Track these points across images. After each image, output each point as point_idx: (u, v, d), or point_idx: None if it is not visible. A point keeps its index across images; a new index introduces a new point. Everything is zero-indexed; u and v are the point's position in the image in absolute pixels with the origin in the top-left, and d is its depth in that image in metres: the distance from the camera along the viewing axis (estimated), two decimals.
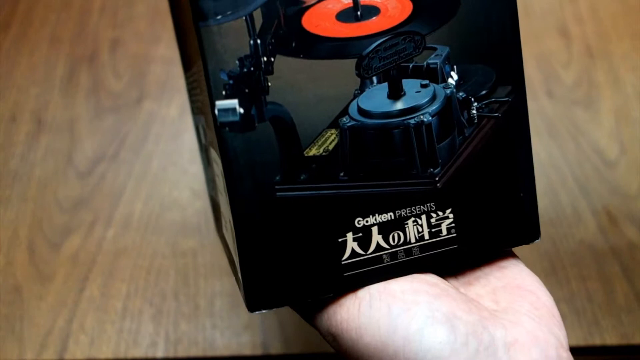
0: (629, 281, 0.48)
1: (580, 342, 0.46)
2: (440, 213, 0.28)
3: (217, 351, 0.46)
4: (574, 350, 0.26)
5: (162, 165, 0.56)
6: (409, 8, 0.27)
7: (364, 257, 0.28)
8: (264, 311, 0.27)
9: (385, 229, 0.28)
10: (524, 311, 0.27)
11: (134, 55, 0.63)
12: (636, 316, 0.46)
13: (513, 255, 0.30)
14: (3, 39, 0.65)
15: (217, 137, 0.26)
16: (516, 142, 0.28)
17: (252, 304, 0.27)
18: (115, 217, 0.53)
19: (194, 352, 0.46)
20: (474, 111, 0.28)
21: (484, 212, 0.28)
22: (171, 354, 0.46)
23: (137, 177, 0.55)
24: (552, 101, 0.58)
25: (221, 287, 0.49)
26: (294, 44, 0.26)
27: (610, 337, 0.46)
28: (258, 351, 0.46)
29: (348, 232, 0.27)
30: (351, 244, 0.27)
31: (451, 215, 0.28)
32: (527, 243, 0.29)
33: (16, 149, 0.58)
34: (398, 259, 0.28)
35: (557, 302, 0.47)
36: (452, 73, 0.28)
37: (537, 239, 0.29)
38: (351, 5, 0.26)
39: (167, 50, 0.62)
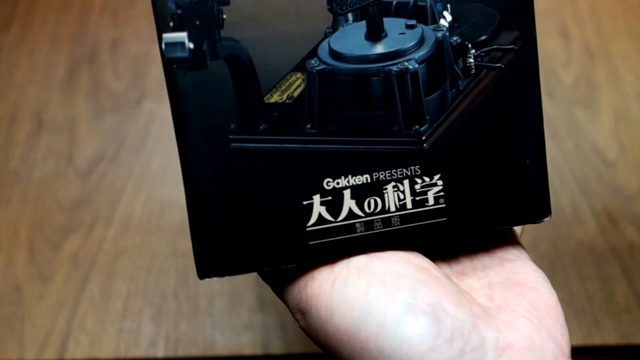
0: (628, 281, 0.48)
1: (580, 342, 0.46)
2: (426, 179, 0.24)
3: (217, 351, 0.46)
4: (573, 350, 0.25)
5: (162, 165, 0.56)
6: None
7: (333, 224, 0.24)
8: (214, 278, 0.24)
9: (359, 194, 0.24)
10: (521, 311, 0.24)
11: (134, 55, 0.63)
12: (636, 316, 0.46)
13: (517, 245, 0.27)
14: (3, 39, 0.65)
15: (165, 75, 0.23)
16: (523, 98, 0.24)
17: (203, 270, 0.24)
18: (115, 217, 0.53)
19: (194, 352, 0.46)
20: (471, 60, 0.24)
21: (481, 180, 0.24)
22: (171, 354, 0.46)
23: (137, 177, 0.55)
24: (551, 101, 0.58)
25: (221, 287, 0.49)
26: None
27: (610, 337, 0.46)
28: (258, 351, 0.46)
29: (315, 194, 0.23)
30: (318, 208, 0.24)
31: (440, 182, 0.24)
32: (534, 222, 0.25)
33: (16, 149, 0.58)
34: (374, 230, 0.24)
35: None
36: (445, 13, 0.24)
37: (547, 217, 0.25)
38: None
39: None
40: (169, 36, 0.22)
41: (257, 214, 0.23)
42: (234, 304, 0.48)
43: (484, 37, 0.24)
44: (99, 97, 0.61)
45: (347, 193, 0.24)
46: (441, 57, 0.24)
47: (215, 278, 0.24)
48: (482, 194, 0.24)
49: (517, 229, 0.27)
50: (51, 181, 0.56)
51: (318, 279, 0.24)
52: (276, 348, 0.46)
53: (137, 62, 0.63)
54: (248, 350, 0.46)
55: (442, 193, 0.24)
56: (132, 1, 0.67)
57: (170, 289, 0.49)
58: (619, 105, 0.58)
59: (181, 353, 0.46)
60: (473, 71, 0.24)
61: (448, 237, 0.25)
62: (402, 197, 0.24)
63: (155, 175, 0.55)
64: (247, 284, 0.48)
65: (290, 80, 0.23)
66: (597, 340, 0.45)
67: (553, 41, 0.62)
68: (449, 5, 0.23)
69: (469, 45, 0.24)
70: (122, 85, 0.61)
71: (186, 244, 0.51)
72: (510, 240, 0.27)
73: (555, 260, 0.50)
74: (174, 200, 0.54)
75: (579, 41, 0.61)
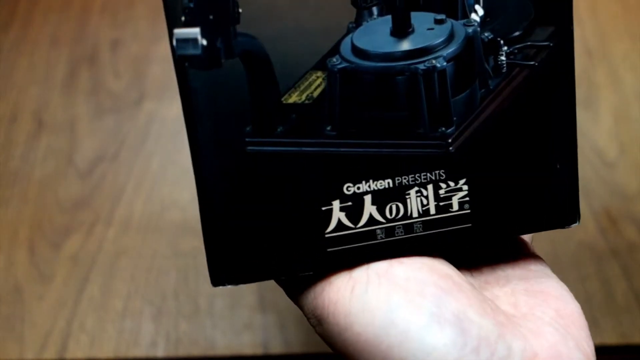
0: (628, 281, 0.48)
1: None
2: (451, 183, 0.23)
3: (217, 351, 0.46)
4: None
5: (162, 165, 0.56)
6: None
7: (353, 230, 0.23)
8: (228, 286, 0.23)
9: (380, 199, 0.22)
10: (547, 319, 0.23)
11: (134, 55, 0.63)
12: (635, 316, 0.47)
13: (539, 259, 0.26)
14: (3, 39, 0.65)
15: (176, 73, 0.21)
16: (556, 99, 0.23)
17: (216, 278, 0.23)
18: (115, 217, 0.53)
19: (194, 352, 0.46)
20: (503, 57, 0.22)
21: (509, 185, 0.23)
22: (171, 354, 0.46)
23: (138, 177, 0.55)
24: None
25: (221, 287, 0.49)
26: None
27: (609, 337, 0.46)
28: (258, 351, 0.46)
29: (334, 199, 0.22)
30: (337, 214, 0.22)
31: (465, 187, 0.23)
32: (562, 227, 0.24)
33: (16, 149, 0.58)
34: (395, 236, 0.23)
35: None
36: (477, 7, 0.22)
37: (576, 222, 0.24)
38: None
39: (167, 50, 0.62)
40: (180, 32, 0.21)
41: (273, 220, 0.22)
42: (234, 304, 0.48)
43: (517, 33, 0.22)
44: (99, 97, 0.61)
45: (367, 198, 0.22)
46: (471, 54, 0.22)
47: (229, 286, 0.23)
48: (509, 199, 0.23)
49: (527, 237, 0.27)
50: (51, 181, 0.56)
51: (336, 285, 0.23)
52: (276, 348, 0.46)
53: (137, 62, 0.63)
54: (248, 350, 0.46)
55: (467, 198, 0.23)
56: (132, 1, 0.67)
57: (170, 289, 0.49)
58: (619, 105, 0.58)
59: (181, 353, 0.46)
60: (504, 70, 0.22)
61: (472, 245, 0.24)
62: (425, 202, 0.23)
63: (155, 175, 0.55)
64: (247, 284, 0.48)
65: (310, 80, 0.22)
66: (596, 340, 0.45)
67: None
68: None
69: (501, 42, 0.22)
70: (122, 85, 0.61)
71: (186, 244, 0.51)
72: (529, 252, 0.26)
73: (555, 260, 0.50)
74: (175, 200, 0.54)
75: (579, 41, 0.62)
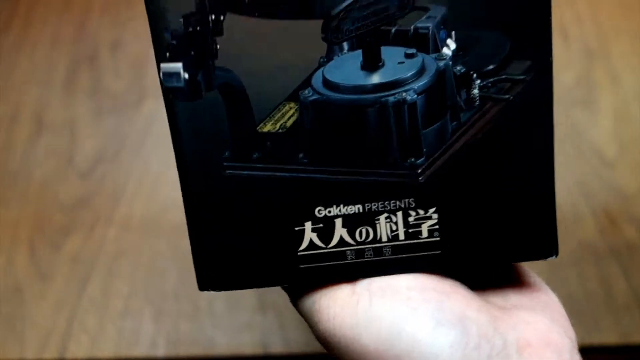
0: (627, 281, 0.48)
1: (579, 342, 0.46)
2: (420, 212, 0.23)
3: (217, 351, 0.46)
4: None
5: (162, 165, 0.56)
6: None
7: (324, 250, 0.24)
8: (212, 292, 0.25)
9: (351, 223, 0.24)
10: (537, 309, 0.25)
11: (134, 55, 0.63)
12: (635, 316, 0.47)
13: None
14: (4, 40, 0.65)
15: (165, 104, 0.24)
16: (532, 133, 0.23)
17: (202, 283, 0.25)
18: (115, 217, 0.53)
19: (194, 352, 0.46)
20: (476, 91, 0.23)
21: (480, 215, 0.24)
22: (172, 354, 0.46)
23: (138, 178, 0.55)
24: None
25: None
26: (247, 0, 0.22)
27: (609, 337, 0.46)
28: (258, 351, 0.46)
29: (306, 221, 0.24)
30: (309, 235, 0.24)
31: (435, 216, 0.23)
32: (538, 259, 0.25)
33: (17, 149, 0.58)
34: (365, 258, 0.24)
35: None
36: (449, 41, 0.22)
37: (552, 256, 0.25)
38: None
39: None
40: (165, 66, 0.23)
41: (251, 236, 0.24)
42: (234, 304, 0.48)
43: (491, 67, 0.23)
44: (99, 97, 0.61)
45: (338, 222, 0.24)
46: (442, 87, 0.23)
47: (212, 292, 0.25)
48: (481, 229, 0.24)
49: None
50: (51, 181, 0.56)
51: (339, 300, 0.24)
52: (276, 348, 0.46)
53: (137, 62, 0.63)
54: (248, 350, 0.46)
55: (436, 226, 0.24)
56: (132, 1, 0.67)
57: (170, 289, 0.49)
58: (618, 105, 0.58)
59: (181, 353, 0.46)
60: (477, 103, 0.23)
61: (442, 270, 0.24)
62: (394, 228, 0.24)
63: (155, 176, 0.55)
64: None
65: (284, 110, 0.23)
66: (596, 340, 0.46)
67: (552, 41, 0.62)
68: (453, 33, 0.22)
69: (474, 75, 0.23)
70: (122, 85, 0.61)
71: (186, 244, 0.51)
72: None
73: (555, 260, 0.50)
74: (175, 200, 0.54)
75: (578, 41, 0.62)
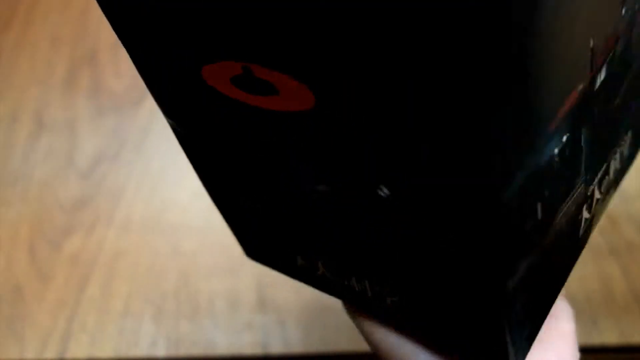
0: (627, 281, 0.48)
1: (579, 342, 0.46)
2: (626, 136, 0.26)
3: (217, 351, 0.46)
4: None
5: (162, 165, 0.56)
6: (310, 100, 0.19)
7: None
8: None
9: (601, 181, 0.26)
10: (547, 340, 0.25)
11: None
12: (635, 316, 0.47)
13: None
14: (4, 40, 0.65)
15: None
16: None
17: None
18: (116, 217, 0.53)
19: (194, 352, 0.46)
20: None
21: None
22: (172, 354, 0.46)
23: (138, 177, 0.55)
24: None
25: (221, 287, 0.49)
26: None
27: (609, 337, 0.46)
28: (258, 351, 0.46)
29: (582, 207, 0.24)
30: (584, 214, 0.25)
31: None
32: None
33: (17, 149, 0.58)
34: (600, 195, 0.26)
35: None
36: None
37: None
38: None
39: None
40: None
41: None
42: (234, 304, 0.48)
43: None
44: (99, 97, 0.61)
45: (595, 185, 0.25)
46: None
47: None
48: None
49: None
50: (51, 181, 0.56)
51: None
52: (276, 348, 0.46)
53: None
54: (248, 350, 0.46)
55: None
56: None
57: (170, 289, 0.49)
58: None
59: (181, 353, 0.46)
60: None
61: None
62: (617, 160, 0.26)
63: (155, 175, 0.56)
64: (247, 284, 0.49)
65: None
66: (596, 340, 0.46)
67: None
68: None
69: None
70: (122, 85, 0.61)
71: (187, 244, 0.51)
72: None
73: None
74: (175, 200, 0.54)
75: None
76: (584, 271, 0.49)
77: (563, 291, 0.27)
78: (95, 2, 0.67)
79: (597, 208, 0.25)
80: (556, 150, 0.20)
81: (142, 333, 0.47)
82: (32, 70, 0.63)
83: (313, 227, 0.23)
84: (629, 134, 0.26)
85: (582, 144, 0.21)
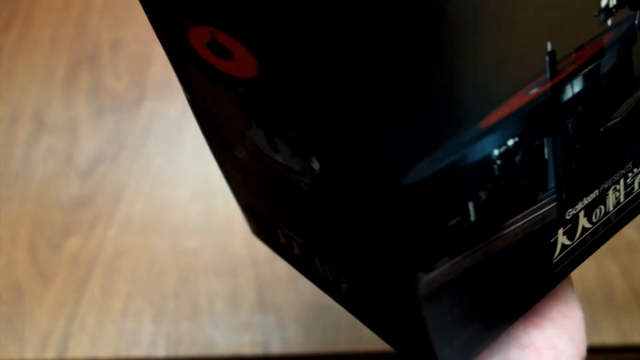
0: (627, 281, 0.48)
1: None
2: (635, 169, 0.24)
3: (217, 351, 0.46)
4: None
5: (162, 165, 0.56)
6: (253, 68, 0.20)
7: (570, 246, 0.24)
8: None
9: (589, 210, 0.24)
10: (554, 318, 0.26)
11: (134, 55, 0.63)
12: (635, 316, 0.47)
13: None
14: (4, 40, 0.65)
15: None
16: None
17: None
18: (116, 217, 0.53)
19: (194, 352, 0.46)
20: None
21: None
22: (172, 354, 0.46)
23: (138, 177, 0.55)
24: None
25: (221, 287, 0.49)
26: None
27: (609, 337, 0.46)
28: (258, 351, 0.46)
29: (559, 228, 0.23)
30: (561, 239, 0.23)
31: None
32: None
33: (17, 149, 0.58)
34: (598, 233, 0.25)
35: None
36: None
37: None
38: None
39: None
40: None
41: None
42: (234, 304, 0.48)
43: None
44: (99, 97, 0.61)
45: (581, 214, 0.23)
46: None
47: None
48: None
49: None
50: (52, 181, 0.56)
51: None
52: (276, 348, 0.46)
53: (137, 62, 0.63)
54: (248, 350, 0.46)
55: None
56: (132, 1, 0.67)
57: (170, 289, 0.49)
58: None
59: (181, 353, 0.46)
60: None
61: None
62: (618, 195, 0.24)
63: (155, 175, 0.56)
64: (247, 284, 0.49)
65: None
66: (595, 340, 0.46)
67: None
68: None
69: None
70: (122, 85, 0.61)
71: (187, 244, 0.51)
72: None
73: None
74: (175, 200, 0.54)
75: None
76: (584, 271, 0.49)
77: (570, 280, 0.28)
78: (95, 2, 0.67)
79: (589, 239, 0.24)
80: (496, 152, 0.19)
81: (142, 333, 0.47)
82: (32, 70, 0.63)
83: (278, 199, 0.24)
84: None
85: (546, 156, 0.21)
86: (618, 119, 0.23)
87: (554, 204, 0.22)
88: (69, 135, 0.58)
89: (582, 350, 0.25)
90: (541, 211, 0.22)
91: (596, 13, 0.20)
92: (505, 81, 0.18)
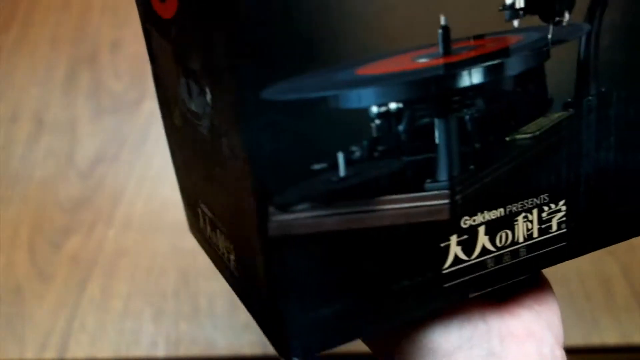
0: (627, 281, 0.48)
1: (579, 341, 0.46)
2: (552, 205, 0.23)
3: (217, 351, 0.46)
4: (572, 349, 0.26)
5: (162, 165, 0.56)
6: None
7: (467, 263, 0.23)
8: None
9: (492, 229, 0.23)
10: (525, 304, 0.26)
11: (134, 55, 0.63)
12: (635, 316, 0.47)
13: None
14: (4, 40, 0.65)
15: None
16: None
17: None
18: (116, 217, 0.53)
19: (194, 352, 0.46)
20: None
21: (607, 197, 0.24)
22: (172, 354, 0.46)
23: (138, 177, 0.55)
24: None
25: (221, 287, 0.49)
26: None
27: (609, 337, 0.46)
28: (258, 351, 0.46)
29: (452, 234, 0.22)
30: (454, 249, 0.22)
31: (564, 208, 0.24)
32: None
33: (17, 149, 0.58)
34: (503, 263, 0.23)
35: None
36: None
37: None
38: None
39: None
40: None
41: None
42: (234, 304, 0.48)
43: None
44: (99, 97, 0.61)
45: (481, 229, 0.22)
46: None
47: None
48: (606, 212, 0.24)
49: None
50: (51, 181, 0.56)
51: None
52: None
53: (137, 62, 0.63)
54: (248, 350, 0.46)
55: (564, 218, 0.24)
56: (132, 1, 0.67)
57: (170, 289, 0.49)
58: None
59: (181, 353, 0.46)
60: None
61: (565, 260, 0.25)
62: (530, 226, 0.23)
63: (155, 175, 0.56)
64: None
65: None
66: (596, 339, 0.46)
67: None
68: None
69: None
70: (122, 85, 0.61)
71: (186, 244, 0.51)
72: None
73: None
74: (175, 200, 0.54)
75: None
76: (584, 271, 0.49)
77: (547, 274, 0.28)
78: (95, 2, 0.67)
79: (491, 265, 0.23)
80: (374, 109, 0.19)
81: (141, 333, 0.47)
82: (32, 70, 0.63)
83: (200, 164, 0.24)
84: (563, 201, 0.24)
85: (437, 140, 0.20)
86: (529, 135, 0.22)
87: (445, 201, 0.21)
88: (69, 136, 0.58)
89: (560, 337, 0.26)
90: (428, 203, 0.21)
91: (500, 8, 0.20)
92: (390, 33, 0.18)
